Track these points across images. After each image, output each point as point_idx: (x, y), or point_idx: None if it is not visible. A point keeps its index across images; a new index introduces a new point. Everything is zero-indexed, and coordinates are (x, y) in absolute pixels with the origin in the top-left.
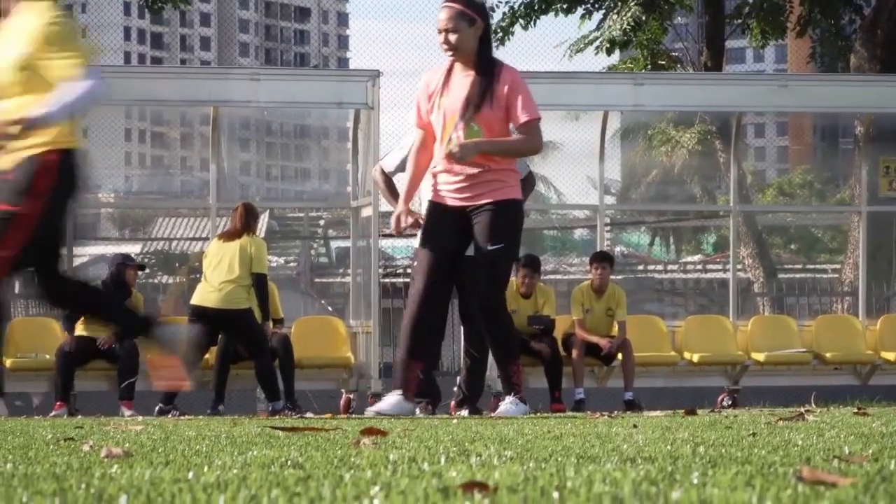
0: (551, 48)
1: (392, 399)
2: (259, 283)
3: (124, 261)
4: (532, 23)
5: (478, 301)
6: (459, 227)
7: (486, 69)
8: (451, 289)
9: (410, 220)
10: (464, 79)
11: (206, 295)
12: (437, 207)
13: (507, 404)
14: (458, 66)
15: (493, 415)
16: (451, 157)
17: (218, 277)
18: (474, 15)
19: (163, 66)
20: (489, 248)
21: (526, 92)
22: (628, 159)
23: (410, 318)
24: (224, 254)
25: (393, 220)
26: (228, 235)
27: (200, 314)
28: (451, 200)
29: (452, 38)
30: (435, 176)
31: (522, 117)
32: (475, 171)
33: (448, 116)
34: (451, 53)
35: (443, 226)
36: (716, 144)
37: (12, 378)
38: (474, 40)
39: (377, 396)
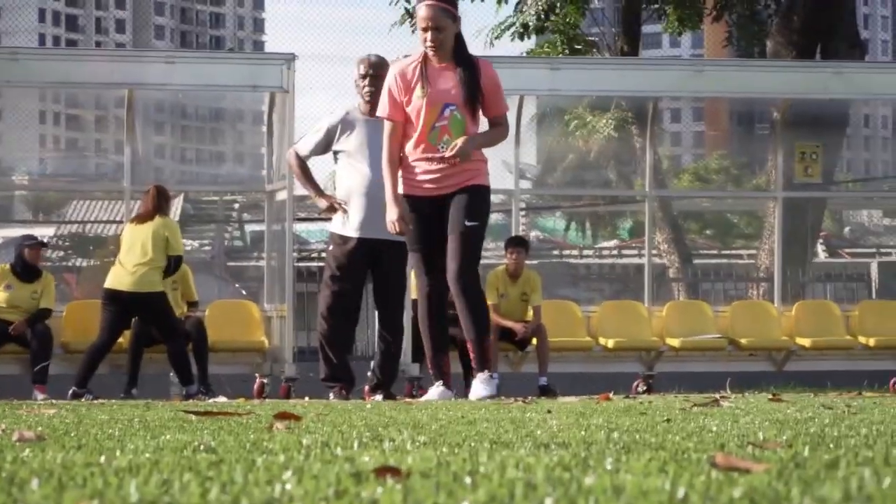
0: (470, 35)
1: (438, 390)
2: (176, 264)
3: (24, 241)
4: None
5: (455, 277)
6: (437, 216)
7: (468, 62)
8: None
9: (401, 224)
10: (443, 71)
11: (119, 278)
12: (414, 202)
13: (482, 382)
14: (433, 58)
15: (471, 398)
16: (460, 157)
17: (132, 260)
18: (454, 11)
19: (78, 49)
20: (466, 224)
21: (500, 86)
22: (544, 144)
23: (427, 318)
24: (137, 237)
25: (394, 225)
26: (140, 218)
27: (114, 297)
28: (428, 191)
29: (440, 35)
30: (410, 167)
31: (500, 109)
32: (457, 162)
33: (430, 107)
34: (435, 51)
35: (429, 221)
36: (632, 129)
37: None
38: (454, 36)
39: (291, 381)
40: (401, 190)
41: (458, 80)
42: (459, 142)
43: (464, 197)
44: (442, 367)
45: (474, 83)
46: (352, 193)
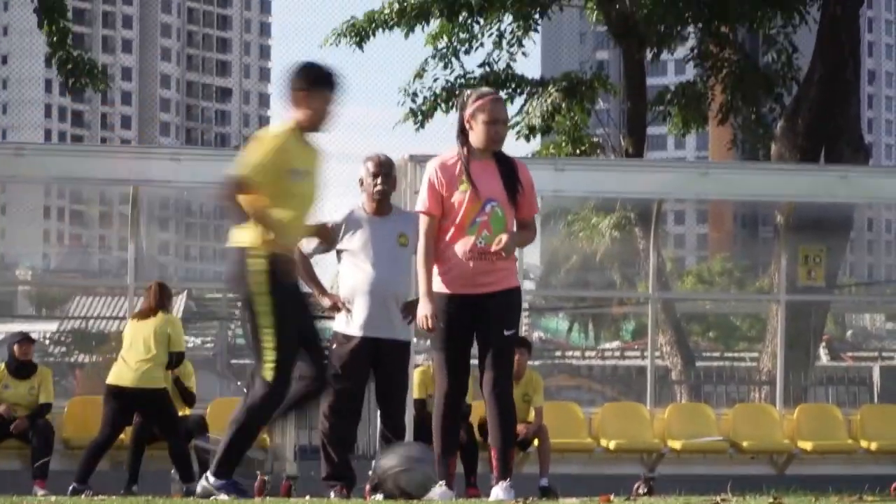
0: None
1: (440, 490)
2: (177, 359)
3: (12, 339)
4: (454, 107)
5: (493, 386)
6: (466, 315)
7: (507, 160)
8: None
9: (433, 321)
10: (484, 167)
11: (122, 374)
12: (449, 300)
13: (503, 490)
14: (480, 153)
15: (490, 500)
16: (505, 252)
17: (134, 357)
18: None
19: (83, 145)
20: (506, 333)
21: (535, 187)
22: (548, 245)
23: (442, 417)
24: (139, 333)
25: (425, 320)
26: (142, 314)
27: (116, 393)
28: (460, 288)
29: (505, 129)
30: (444, 262)
31: (533, 210)
32: (493, 259)
33: (472, 202)
34: (497, 145)
35: (460, 321)
36: (636, 231)
37: None
38: None
39: (292, 479)
40: (435, 287)
41: (499, 176)
42: (504, 237)
43: (501, 304)
44: (448, 467)
45: (516, 180)
46: (356, 292)
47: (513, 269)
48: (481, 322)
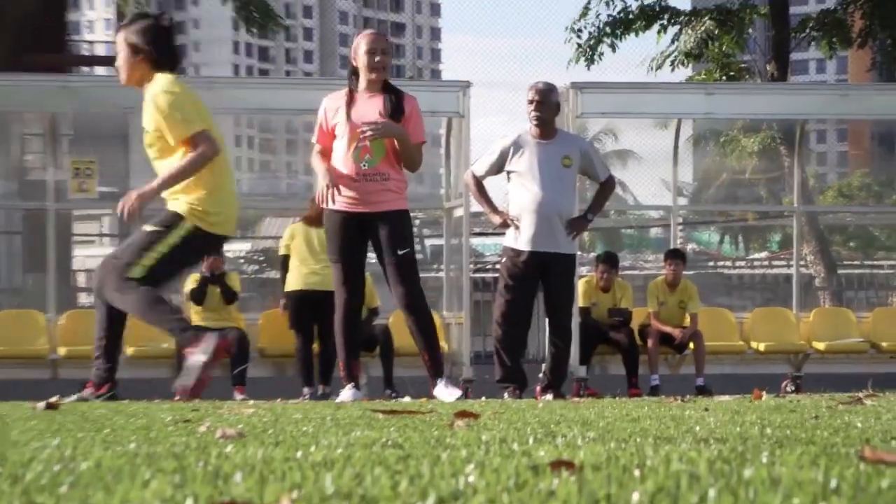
0: (632, 66)
1: (350, 392)
2: None
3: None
4: (619, 40)
5: (403, 300)
6: (361, 233)
7: (394, 90)
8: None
9: (329, 190)
10: (370, 99)
11: (311, 278)
12: (340, 217)
13: (443, 387)
14: (361, 89)
15: (439, 398)
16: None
17: (320, 261)
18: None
19: (269, 78)
20: (399, 252)
21: (422, 118)
22: (700, 164)
23: (344, 325)
24: (313, 239)
25: (324, 191)
26: (312, 221)
27: (305, 298)
28: (352, 206)
29: (386, 59)
30: (338, 185)
31: (417, 138)
32: (379, 180)
33: (353, 128)
34: (379, 73)
35: (353, 237)
36: (781, 150)
37: (134, 366)
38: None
39: (469, 382)
40: (333, 206)
41: (383, 104)
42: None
43: (388, 225)
44: (352, 371)
45: (399, 107)
46: (523, 210)
47: (401, 193)
48: (376, 242)
